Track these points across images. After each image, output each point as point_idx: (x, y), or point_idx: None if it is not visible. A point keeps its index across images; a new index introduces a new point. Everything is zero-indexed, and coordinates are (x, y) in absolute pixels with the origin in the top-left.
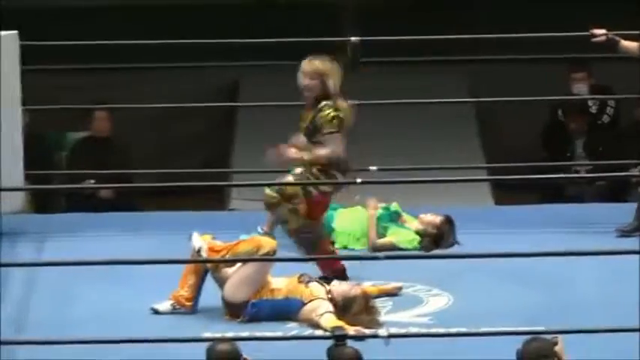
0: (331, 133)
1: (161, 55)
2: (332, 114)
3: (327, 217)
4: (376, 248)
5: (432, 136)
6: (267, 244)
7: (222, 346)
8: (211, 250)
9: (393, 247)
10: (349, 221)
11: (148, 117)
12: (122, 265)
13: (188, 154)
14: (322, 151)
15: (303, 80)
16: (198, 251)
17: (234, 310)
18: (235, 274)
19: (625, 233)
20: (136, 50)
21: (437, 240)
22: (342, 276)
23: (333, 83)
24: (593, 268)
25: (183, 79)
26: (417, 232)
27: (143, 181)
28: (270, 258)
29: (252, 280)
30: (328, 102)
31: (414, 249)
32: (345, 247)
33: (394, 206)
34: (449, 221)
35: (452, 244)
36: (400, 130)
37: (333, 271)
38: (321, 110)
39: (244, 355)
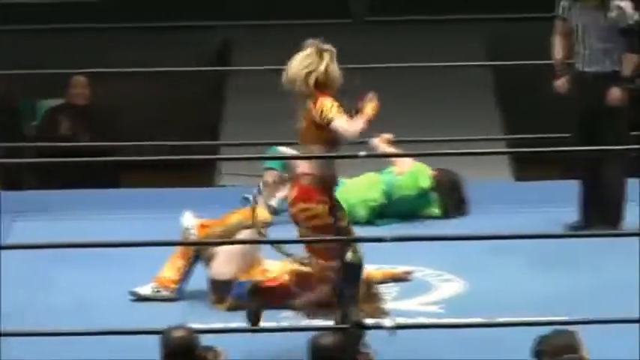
0: None
1: (143, 15)
2: None
3: None
4: None
5: (444, 104)
6: (260, 215)
7: (177, 333)
8: (202, 226)
9: None
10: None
11: (131, 84)
12: (102, 248)
13: (174, 124)
14: None
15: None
16: (188, 230)
17: (220, 291)
18: (222, 250)
19: (574, 229)
20: (117, 9)
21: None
22: None
23: None
24: (624, 250)
25: (168, 41)
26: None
27: (124, 154)
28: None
29: (241, 255)
30: None
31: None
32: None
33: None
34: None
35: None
36: (408, 97)
37: None
38: None
39: (216, 347)
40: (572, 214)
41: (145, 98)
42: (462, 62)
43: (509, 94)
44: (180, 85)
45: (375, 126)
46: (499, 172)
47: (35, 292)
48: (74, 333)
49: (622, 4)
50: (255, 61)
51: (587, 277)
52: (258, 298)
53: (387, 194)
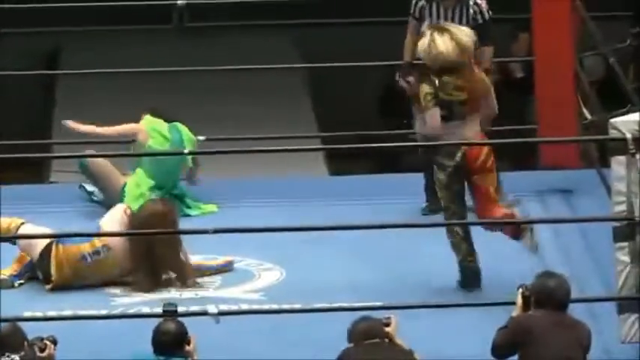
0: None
1: None
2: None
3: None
4: None
5: (262, 104)
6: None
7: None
8: None
9: None
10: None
11: None
12: None
13: (5, 124)
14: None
15: None
16: None
17: (41, 268)
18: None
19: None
20: None
21: None
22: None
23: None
24: (435, 240)
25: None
26: None
27: None
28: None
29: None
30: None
31: None
32: None
33: None
34: None
35: None
36: (228, 98)
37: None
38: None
39: (47, 337)
40: (390, 206)
41: None
42: (277, 64)
43: (323, 95)
44: (10, 88)
45: (196, 125)
46: (316, 168)
47: None
48: None
49: (478, 1)
50: (82, 64)
51: (405, 265)
52: None
53: (152, 162)
